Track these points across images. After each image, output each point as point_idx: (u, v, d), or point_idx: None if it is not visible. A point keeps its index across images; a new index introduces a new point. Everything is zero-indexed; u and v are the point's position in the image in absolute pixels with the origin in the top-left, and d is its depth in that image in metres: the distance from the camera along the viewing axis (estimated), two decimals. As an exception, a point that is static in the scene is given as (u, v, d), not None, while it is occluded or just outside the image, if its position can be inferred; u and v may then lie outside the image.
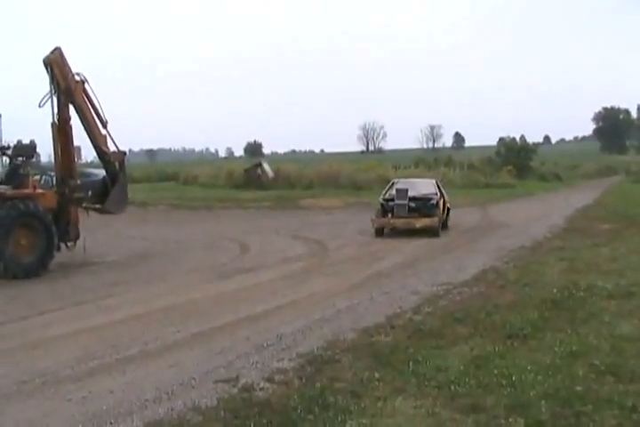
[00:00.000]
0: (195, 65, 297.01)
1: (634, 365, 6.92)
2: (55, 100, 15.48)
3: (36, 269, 14.20)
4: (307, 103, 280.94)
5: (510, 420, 5.62)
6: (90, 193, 16.22)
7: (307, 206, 32.40)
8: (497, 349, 7.69)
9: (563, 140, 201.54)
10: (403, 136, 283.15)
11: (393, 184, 22.30)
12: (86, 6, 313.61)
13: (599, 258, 14.49)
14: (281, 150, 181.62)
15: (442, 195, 22.01)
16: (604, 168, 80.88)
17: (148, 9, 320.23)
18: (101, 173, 17.02)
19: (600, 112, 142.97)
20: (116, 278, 13.97)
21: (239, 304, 11.09)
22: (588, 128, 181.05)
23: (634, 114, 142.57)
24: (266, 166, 43.63)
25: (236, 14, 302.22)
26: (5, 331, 9.65)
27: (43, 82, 15.50)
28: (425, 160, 59.99)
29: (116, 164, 16.78)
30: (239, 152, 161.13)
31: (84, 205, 16.32)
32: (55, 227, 14.82)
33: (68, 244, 15.80)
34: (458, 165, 53.51)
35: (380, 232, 20.72)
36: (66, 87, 15.41)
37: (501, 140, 69.31)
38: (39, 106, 15.48)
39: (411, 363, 7.22)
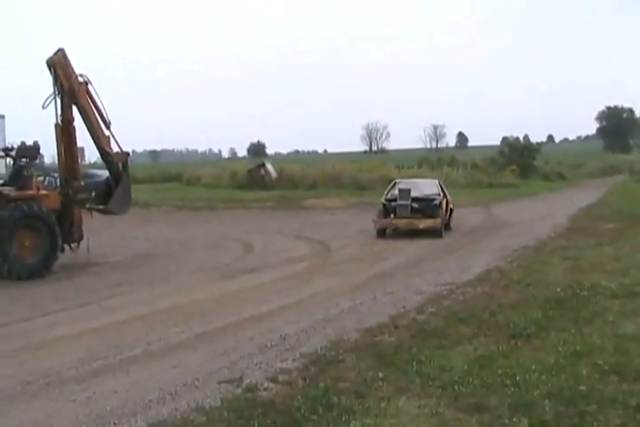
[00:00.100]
0: (197, 65, 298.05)
1: (638, 364, 6.92)
2: (59, 101, 15.49)
3: (39, 271, 14.22)
4: (310, 103, 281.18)
5: (514, 420, 5.62)
6: (93, 194, 16.24)
7: (310, 206, 32.38)
8: (501, 348, 7.69)
9: (566, 140, 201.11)
10: (406, 136, 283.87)
11: (395, 184, 22.08)
12: (86, 6, 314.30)
13: (603, 257, 14.47)
14: (284, 151, 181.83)
15: (445, 195, 21.76)
16: (607, 167, 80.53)
17: (149, 9, 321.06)
18: (105, 173, 17.04)
19: (603, 111, 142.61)
20: (119, 279, 13.99)
21: (242, 305, 11.09)
22: (591, 127, 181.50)
23: (637, 113, 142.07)
24: (269, 167, 43.60)
25: (237, 14, 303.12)
26: (9, 332, 9.67)
27: (45, 83, 15.57)
28: (428, 160, 59.89)
29: (120, 165, 16.80)
30: (242, 153, 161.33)
31: (87, 206, 16.32)
32: (59, 228, 14.83)
33: (72, 245, 15.82)
34: (461, 164, 53.40)
35: (381, 233, 20.49)
36: (69, 88, 15.43)
37: (505, 139, 69.20)
38: (43, 107, 15.51)
39: (414, 363, 7.22)
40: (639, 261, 13.67)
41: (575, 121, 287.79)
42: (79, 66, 15.79)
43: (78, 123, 15.81)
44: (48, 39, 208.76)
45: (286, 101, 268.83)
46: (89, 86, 15.82)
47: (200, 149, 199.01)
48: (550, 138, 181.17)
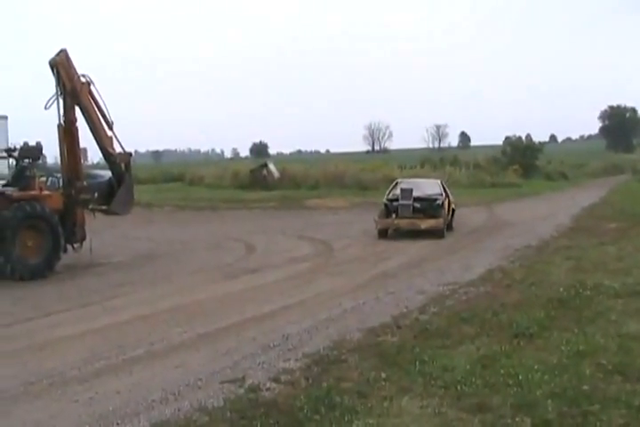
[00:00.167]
0: (199, 65, 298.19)
1: (641, 364, 6.91)
2: (61, 101, 15.50)
3: (42, 271, 14.23)
4: (312, 103, 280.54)
5: (517, 419, 5.61)
6: (96, 194, 16.23)
7: (312, 206, 32.38)
8: (503, 348, 7.68)
9: (569, 139, 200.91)
10: (408, 136, 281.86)
11: (397, 184, 21.92)
12: (86, 6, 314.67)
13: (606, 257, 14.45)
14: (286, 151, 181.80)
15: (447, 195, 21.62)
16: (610, 167, 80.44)
17: (149, 9, 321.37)
18: (107, 174, 17.03)
19: (606, 110, 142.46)
20: (121, 279, 14.00)
21: (245, 305, 11.09)
22: (594, 127, 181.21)
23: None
24: (271, 167, 43.59)
25: (238, 14, 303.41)
26: (12, 332, 9.68)
27: (47, 83, 15.58)
28: (431, 160, 59.85)
29: (122, 165, 16.79)
30: (245, 153, 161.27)
31: (90, 206, 16.32)
32: (61, 228, 14.84)
33: (75, 245, 15.82)
34: (464, 164, 53.33)
35: (383, 233, 20.31)
36: (72, 89, 15.43)
37: (507, 139, 69.14)
38: (45, 108, 15.51)
39: (417, 363, 7.22)
40: (642, 260, 13.66)
41: (578, 120, 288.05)
42: (80, 66, 15.82)
43: (81, 123, 15.83)
44: (48, 39, 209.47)
45: (289, 101, 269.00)
46: (91, 87, 15.83)
47: (202, 150, 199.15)
48: (553, 137, 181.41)
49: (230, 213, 30.65)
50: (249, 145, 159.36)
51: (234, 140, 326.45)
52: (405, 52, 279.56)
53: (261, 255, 17.39)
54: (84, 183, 15.98)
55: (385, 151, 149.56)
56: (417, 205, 20.25)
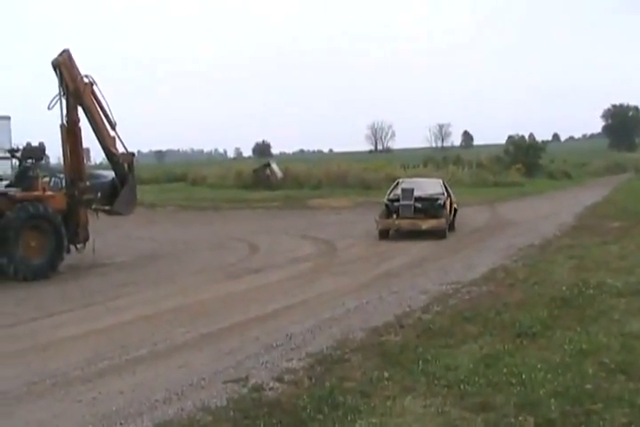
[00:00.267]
0: (200, 65, 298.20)
1: (644, 363, 6.90)
2: (64, 102, 15.53)
3: (45, 271, 14.25)
4: (314, 103, 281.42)
5: (520, 418, 5.61)
6: (99, 195, 16.24)
7: (315, 206, 32.37)
8: (506, 347, 7.68)
9: (572, 138, 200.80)
10: (411, 135, 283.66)
11: (398, 184, 21.72)
12: (86, 6, 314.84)
13: (608, 256, 14.43)
14: (289, 150, 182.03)
15: (449, 195, 21.41)
16: (613, 165, 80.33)
17: (149, 9, 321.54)
18: (110, 174, 17.05)
19: (609, 109, 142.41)
20: (125, 280, 14.01)
21: (248, 304, 11.10)
22: (596, 125, 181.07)
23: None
24: (274, 166, 43.59)
25: (238, 14, 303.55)
26: (16, 332, 9.70)
27: (50, 83, 15.59)
28: (434, 159, 59.94)
29: (125, 165, 16.80)
30: (248, 152, 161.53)
31: (93, 206, 16.34)
32: (65, 229, 14.85)
33: (78, 245, 15.83)
34: (466, 163, 53.38)
35: (384, 234, 20.03)
36: (74, 89, 15.45)
37: (510, 138, 69.02)
38: (48, 108, 15.54)
39: (420, 362, 7.22)
40: (645, 259, 13.64)
41: (580, 119, 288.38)
42: (80, 66, 15.83)
43: (84, 124, 15.86)
44: (49, 39, 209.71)
45: (291, 101, 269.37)
46: (94, 87, 15.84)
47: (205, 150, 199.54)
48: (556, 136, 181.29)
49: (233, 213, 30.66)
50: (252, 145, 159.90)
51: (236, 140, 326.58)
52: (407, 51, 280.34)
53: (264, 255, 17.39)
54: (87, 183, 16.01)
55: (388, 151, 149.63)
56: (418, 205, 20.02)
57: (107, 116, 16.08)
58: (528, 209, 29.51)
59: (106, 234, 18.86)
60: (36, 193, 14.67)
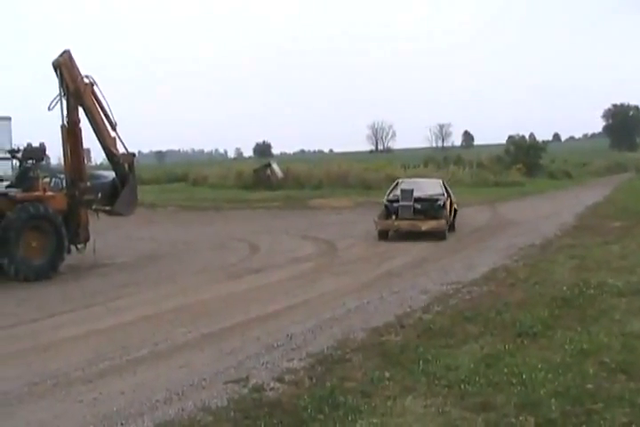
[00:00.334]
0: (201, 65, 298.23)
1: (645, 362, 6.90)
2: (64, 102, 15.53)
3: (46, 272, 14.25)
4: (315, 103, 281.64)
5: (521, 418, 5.61)
6: (99, 195, 16.24)
7: (316, 206, 32.36)
8: (507, 347, 7.68)
9: (572, 138, 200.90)
10: (412, 135, 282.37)
11: (397, 184, 21.51)
12: (87, 7, 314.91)
13: (609, 255, 14.43)
14: (290, 150, 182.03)
15: (448, 195, 21.15)
16: (614, 165, 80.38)
17: (149, 9, 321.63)
18: (111, 174, 17.05)
19: (610, 109, 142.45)
20: (125, 280, 14.01)
21: (249, 305, 11.10)
22: (597, 125, 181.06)
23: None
24: (275, 167, 43.59)
25: (239, 14, 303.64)
26: (17, 333, 9.70)
27: (51, 84, 15.60)
28: (434, 159, 59.96)
29: (126, 165, 16.80)
30: (248, 153, 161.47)
31: (93, 207, 16.34)
32: (65, 229, 14.85)
33: (78, 246, 15.83)
34: (467, 163, 53.39)
35: (383, 235, 19.79)
36: (75, 90, 15.45)
37: (510, 138, 69.05)
38: (49, 109, 15.55)
39: (421, 362, 7.23)
40: (646, 259, 13.64)
41: (581, 119, 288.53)
42: (81, 66, 15.83)
43: (84, 124, 15.86)
44: (49, 39, 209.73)
45: (292, 101, 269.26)
46: (95, 87, 15.84)
47: (206, 150, 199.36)
48: (556, 136, 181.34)
49: (234, 214, 30.65)
50: (252, 145, 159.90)
51: (237, 141, 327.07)
52: (407, 51, 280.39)
53: (265, 255, 17.39)
54: (88, 184, 16.01)
55: (388, 151, 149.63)
56: (418, 206, 19.78)
57: (107, 116, 16.09)
58: (529, 209, 29.51)
59: (106, 234, 18.85)
60: (36, 194, 14.67)
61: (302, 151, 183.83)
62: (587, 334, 8.08)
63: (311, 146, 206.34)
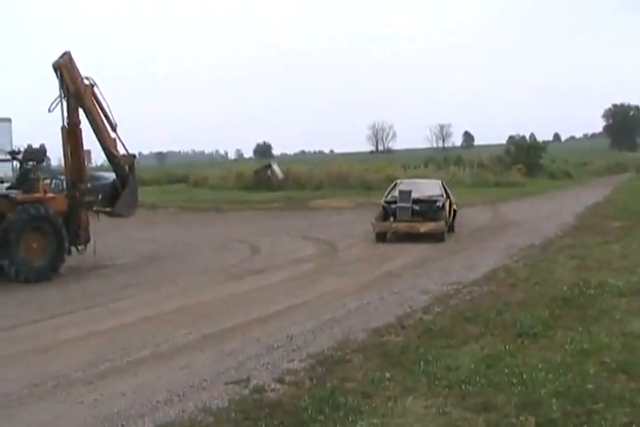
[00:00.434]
0: (200, 66, 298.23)
1: (645, 362, 6.90)
2: (65, 104, 15.54)
3: (46, 273, 14.25)
4: (315, 104, 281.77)
5: (521, 418, 5.61)
6: (100, 196, 16.25)
7: (317, 207, 32.36)
8: (508, 347, 7.68)
9: (572, 138, 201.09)
10: (412, 136, 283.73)
11: (396, 185, 21.25)
12: (86, 7, 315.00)
13: (610, 255, 14.43)
14: (290, 151, 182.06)
15: (448, 196, 20.85)
16: (614, 165, 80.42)
17: (151, 9, 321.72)
18: (111, 176, 17.06)
19: (610, 109, 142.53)
20: (126, 281, 14.01)
21: (250, 305, 11.10)
22: (597, 125, 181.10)
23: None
24: (275, 168, 43.61)
25: (239, 14, 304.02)
26: (17, 334, 9.70)
27: (51, 85, 15.61)
28: (435, 159, 60.00)
29: (126, 167, 16.80)
30: (249, 154, 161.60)
31: (94, 208, 16.35)
32: (66, 230, 14.85)
33: (79, 247, 15.83)
34: (467, 163, 53.41)
35: (381, 237, 19.47)
36: (75, 91, 15.46)
37: (511, 138, 69.12)
38: (49, 110, 15.55)
39: (421, 362, 7.22)
40: (646, 258, 13.64)
41: (581, 119, 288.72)
42: (81, 66, 15.84)
43: (84, 125, 15.86)
44: (49, 40, 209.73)
45: (292, 102, 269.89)
46: (95, 89, 15.85)
47: (206, 151, 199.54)
48: (556, 136, 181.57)
49: (234, 215, 30.65)
50: (253, 146, 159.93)
51: (237, 142, 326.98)
52: (407, 51, 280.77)
53: (266, 256, 17.38)
54: (88, 185, 16.01)
55: (389, 151, 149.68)
56: (416, 207, 19.44)
57: (107, 117, 16.09)
58: (529, 209, 29.52)
59: (107, 236, 18.85)
60: (37, 195, 14.68)
61: (303, 152, 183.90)
62: (587, 334, 8.08)
63: (312, 147, 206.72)
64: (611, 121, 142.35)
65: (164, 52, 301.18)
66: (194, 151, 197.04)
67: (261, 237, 21.38)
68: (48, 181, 16.22)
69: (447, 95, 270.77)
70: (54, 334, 9.63)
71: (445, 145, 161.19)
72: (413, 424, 5.67)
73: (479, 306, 10.05)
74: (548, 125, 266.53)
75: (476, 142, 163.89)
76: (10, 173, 18.42)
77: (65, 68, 15.41)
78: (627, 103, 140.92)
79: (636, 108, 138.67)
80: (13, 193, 14.45)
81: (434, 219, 19.27)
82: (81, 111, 15.75)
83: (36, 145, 15.80)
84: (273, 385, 6.87)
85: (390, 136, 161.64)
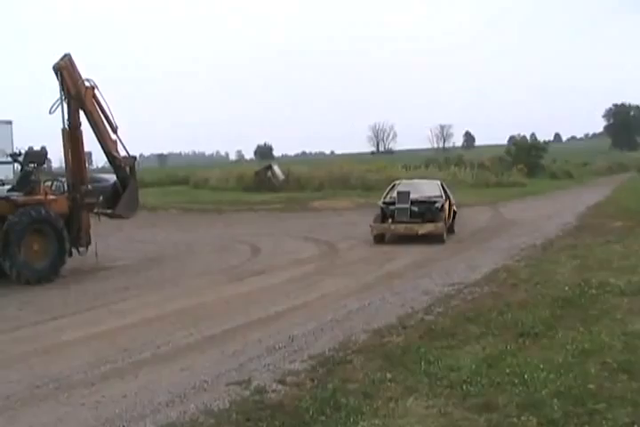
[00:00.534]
0: (203, 67, 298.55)
1: (647, 362, 6.90)
2: (65, 106, 15.54)
3: (48, 275, 14.25)
4: (316, 105, 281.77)
5: (522, 418, 5.61)
6: (101, 198, 16.24)
7: (317, 208, 32.33)
8: (509, 348, 7.69)
9: (573, 138, 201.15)
10: (413, 136, 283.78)
11: (394, 186, 21.10)
12: (86, 6, 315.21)
13: (611, 255, 14.43)
14: (291, 152, 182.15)
15: (447, 197, 20.55)
16: (615, 165, 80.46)
17: (150, 9, 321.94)
18: (112, 178, 17.05)
19: (611, 109, 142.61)
20: (127, 283, 14.00)
21: (251, 307, 11.10)
22: (598, 125, 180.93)
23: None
24: (276, 169, 43.61)
25: (240, 14, 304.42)
26: (19, 336, 9.70)
27: (52, 87, 15.61)
28: (435, 160, 59.96)
29: (127, 168, 16.79)
30: (249, 155, 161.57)
31: (95, 210, 16.35)
32: (67, 232, 14.85)
33: (80, 249, 15.82)
34: (468, 164, 53.39)
35: (379, 239, 19.22)
36: (76, 93, 15.45)
37: (512, 138, 69.28)
38: (50, 112, 15.54)
39: (422, 363, 7.23)
40: (648, 258, 13.64)
41: (582, 119, 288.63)
42: (80, 66, 15.85)
43: (85, 127, 15.86)
44: (49, 41, 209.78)
45: (292, 103, 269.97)
46: (96, 91, 15.84)
47: (207, 152, 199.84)
48: (557, 136, 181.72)
49: (235, 216, 30.64)
50: (253, 147, 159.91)
51: (238, 143, 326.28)
52: (407, 52, 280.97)
53: (267, 257, 17.38)
54: (89, 187, 16.00)
55: (390, 152, 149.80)
56: (415, 208, 19.11)
57: (108, 119, 16.08)
58: (530, 209, 29.51)
59: (108, 237, 18.86)
60: (38, 197, 14.68)
61: (303, 153, 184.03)
62: (588, 334, 8.08)
63: (312, 148, 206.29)
64: (611, 121, 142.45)
65: (163, 52, 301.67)
66: (194, 153, 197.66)
67: (262, 238, 21.37)
68: (49, 183, 16.21)
69: (448, 95, 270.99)
70: (56, 335, 9.63)
71: (446, 145, 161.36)
72: (414, 425, 5.67)
73: (480, 306, 10.05)
74: (548, 125, 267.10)
75: (477, 143, 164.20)
76: (11, 176, 18.43)
77: (66, 71, 15.41)
78: (627, 103, 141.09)
79: (637, 107, 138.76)
80: (14, 195, 14.47)
81: (433, 220, 18.95)
82: (82, 113, 15.75)
83: (36, 147, 15.79)
84: (274, 386, 6.88)
85: (391, 137, 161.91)
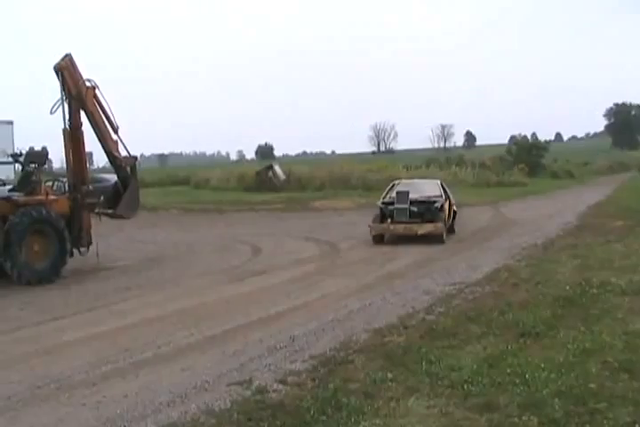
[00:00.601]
0: (203, 67, 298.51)
1: (648, 361, 6.89)
2: (66, 106, 15.54)
3: (49, 275, 14.25)
4: (317, 105, 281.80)
5: (524, 418, 5.62)
6: (102, 198, 16.24)
7: (318, 208, 32.32)
8: (510, 347, 7.69)
9: (574, 137, 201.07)
10: (414, 136, 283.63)
11: (394, 186, 20.97)
12: (86, 7, 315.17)
13: (612, 255, 14.42)
14: (292, 152, 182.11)
15: (447, 197, 20.39)
16: (616, 164, 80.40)
17: (150, 9, 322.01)
18: (113, 178, 17.05)
19: (611, 108, 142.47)
20: (128, 283, 14.00)
21: (252, 307, 11.10)
22: (599, 124, 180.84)
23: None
24: (277, 169, 43.58)
25: (240, 15, 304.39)
26: (20, 336, 9.71)
27: (53, 87, 15.62)
28: (436, 160, 59.92)
29: (128, 169, 16.79)
30: (250, 155, 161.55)
31: (96, 210, 16.35)
32: (68, 233, 14.85)
33: (81, 249, 15.82)
34: (469, 164, 53.36)
35: (378, 239, 19.07)
36: (77, 93, 15.45)
37: (513, 138, 69.26)
38: (50, 112, 15.53)
39: (424, 363, 7.23)
40: (648, 258, 13.63)
41: (583, 118, 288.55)
42: (80, 67, 15.85)
43: (86, 127, 15.86)
44: (49, 41, 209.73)
45: (293, 103, 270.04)
46: (96, 91, 15.84)
47: (208, 152, 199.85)
48: (558, 136, 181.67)
49: (236, 216, 30.63)
50: (254, 147, 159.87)
51: (239, 143, 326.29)
52: (407, 51, 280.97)
53: (268, 257, 17.38)
54: (90, 187, 16.00)
55: (390, 152, 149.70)
56: (414, 208, 18.97)
57: (109, 119, 16.08)
58: (531, 209, 29.49)
59: (109, 237, 18.87)
60: (39, 197, 14.68)
61: (304, 153, 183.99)
62: (589, 333, 8.08)
63: (313, 148, 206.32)
64: (612, 120, 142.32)
65: (163, 52, 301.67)
66: (195, 153, 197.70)
67: (263, 238, 21.37)
68: (50, 184, 16.22)
69: (448, 95, 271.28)
70: (57, 335, 9.64)
71: (447, 145, 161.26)
72: (416, 425, 5.67)
73: (481, 306, 10.05)
74: (549, 125, 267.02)
75: (478, 142, 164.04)
76: (12, 176, 18.45)
77: (66, 71, 15.40)
78: (628, 102, 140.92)
79: (638, 107, 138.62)
80: (15, 195, 14.47)
81: (432, 220, 18.80)
82: (82, 113, 15.74)
83: (37, 147, 15.79)
84: (275, 386, 6.88)
85: (392, 137, 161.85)
